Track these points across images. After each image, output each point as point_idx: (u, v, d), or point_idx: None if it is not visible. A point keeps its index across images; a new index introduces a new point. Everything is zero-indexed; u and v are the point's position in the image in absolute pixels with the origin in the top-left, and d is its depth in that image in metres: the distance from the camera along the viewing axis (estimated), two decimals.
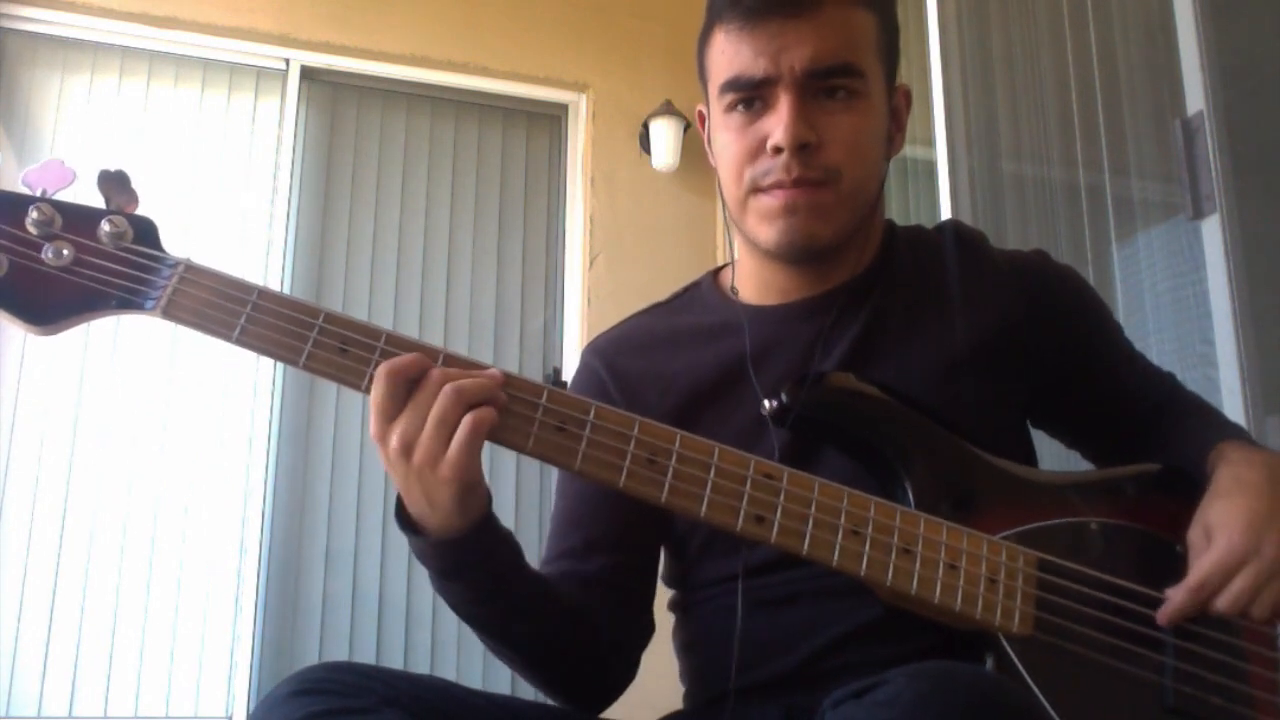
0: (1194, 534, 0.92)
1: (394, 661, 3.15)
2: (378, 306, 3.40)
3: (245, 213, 3.33)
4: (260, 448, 3.19)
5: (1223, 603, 0.87)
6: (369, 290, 3.42)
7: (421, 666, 3.17)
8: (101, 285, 0.85)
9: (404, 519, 0.89)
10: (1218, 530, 0.89)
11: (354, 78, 3.53)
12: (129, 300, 0.85)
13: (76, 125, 3.23)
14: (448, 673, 3.17)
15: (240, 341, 0.85)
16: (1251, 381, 1.67)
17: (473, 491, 0.86)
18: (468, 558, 0.89)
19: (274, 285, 3.25)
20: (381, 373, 0.84)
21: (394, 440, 0.83)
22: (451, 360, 0.86)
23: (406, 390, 0.84)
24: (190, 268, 0.87)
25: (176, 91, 3.37)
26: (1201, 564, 0.88)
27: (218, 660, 3.05)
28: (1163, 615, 0.89)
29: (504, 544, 0.92)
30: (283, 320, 0.86)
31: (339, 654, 3.12)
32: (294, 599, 3.16)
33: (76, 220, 0.86)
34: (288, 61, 3.45)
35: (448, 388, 0.83)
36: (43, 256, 0.84)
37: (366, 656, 3.13)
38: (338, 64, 3.49)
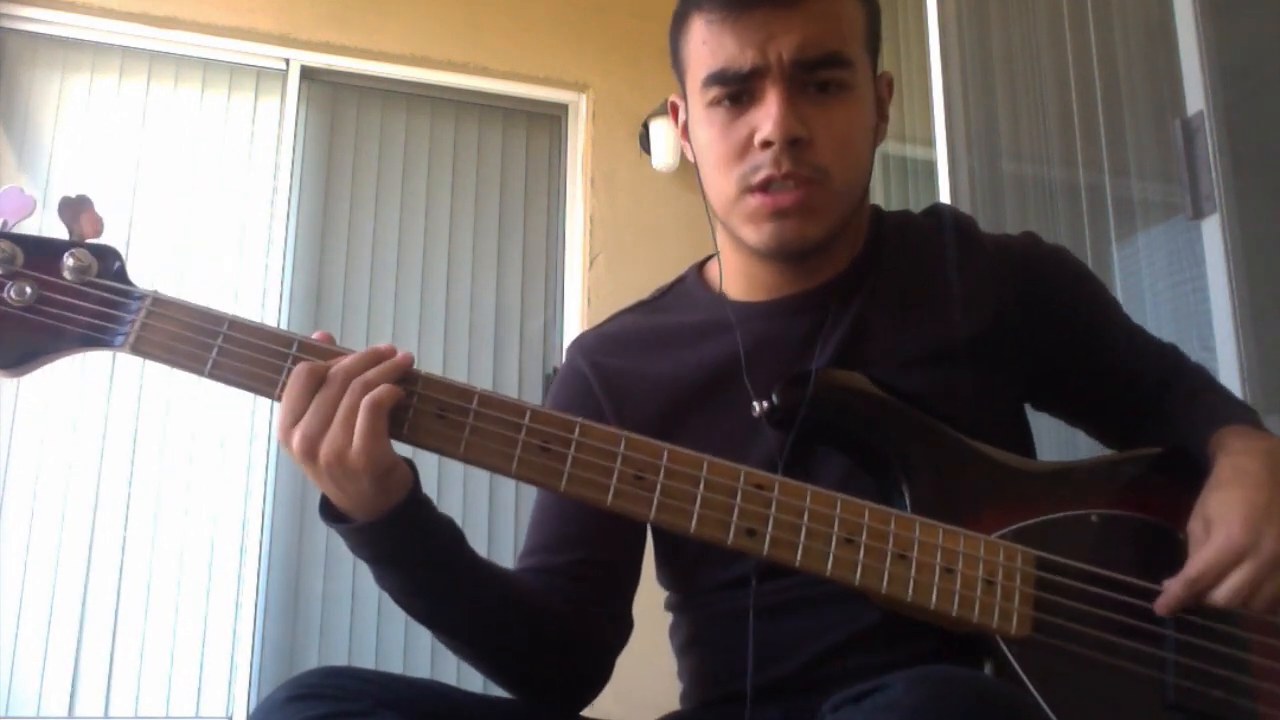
0: (1193, 526, 0.91)
1: (393, 663, 3.15)
2: (377, 307, 3.40)
3: (245, 212, 3.33)
4: (260, 448, 3.19)
5: (1221, 595, 0.86)
6: (369, 290, 3.41)
7: (421, 669, 3.16)
8: (67, 324, 0.83)
9: (330, 512, 0.87)
10: (1216, 522, 0.88)
11: (354, 78, 3.53)
12: (96, 338, 0.83)
13: (76, 125, 3.23)
14: (447, 676, 3.17)
15: (213, 375, 0.84)
16: (1251, 381, 1.66)
17: (389, 475, 0.84)
18: (399, 540, 0.87)
19: (273, 285, 3.25)
20: (299, 370, 0.82)
21: (296, 441, 0.82)
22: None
23: (315, 389, 0.82)
24: (158, 300, 0.85)
25: (176, 92, 3.36)
26: (1200, 556, 0.87)
27: (218, 661, 3.04)
28: (1159, 607, 0.88)
29: (440, 527, 0.90)
30: (255, 351, 0.84)
31: (339, 655, 3.11)
32: (294, 600, 3.16)
33: (38, 255, 0.83)
34: (288, 61, 3.44)
35: (355, 383, 0.82)
36: (4, 296, 0.82)
37: (366, 658, 3.13)
38: (338, 64, 3.48)
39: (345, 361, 0.84)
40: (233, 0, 3.35)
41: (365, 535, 0.86)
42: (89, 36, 3.28)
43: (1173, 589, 0.88)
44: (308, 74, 3.47)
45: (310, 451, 0.82)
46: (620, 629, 1.06)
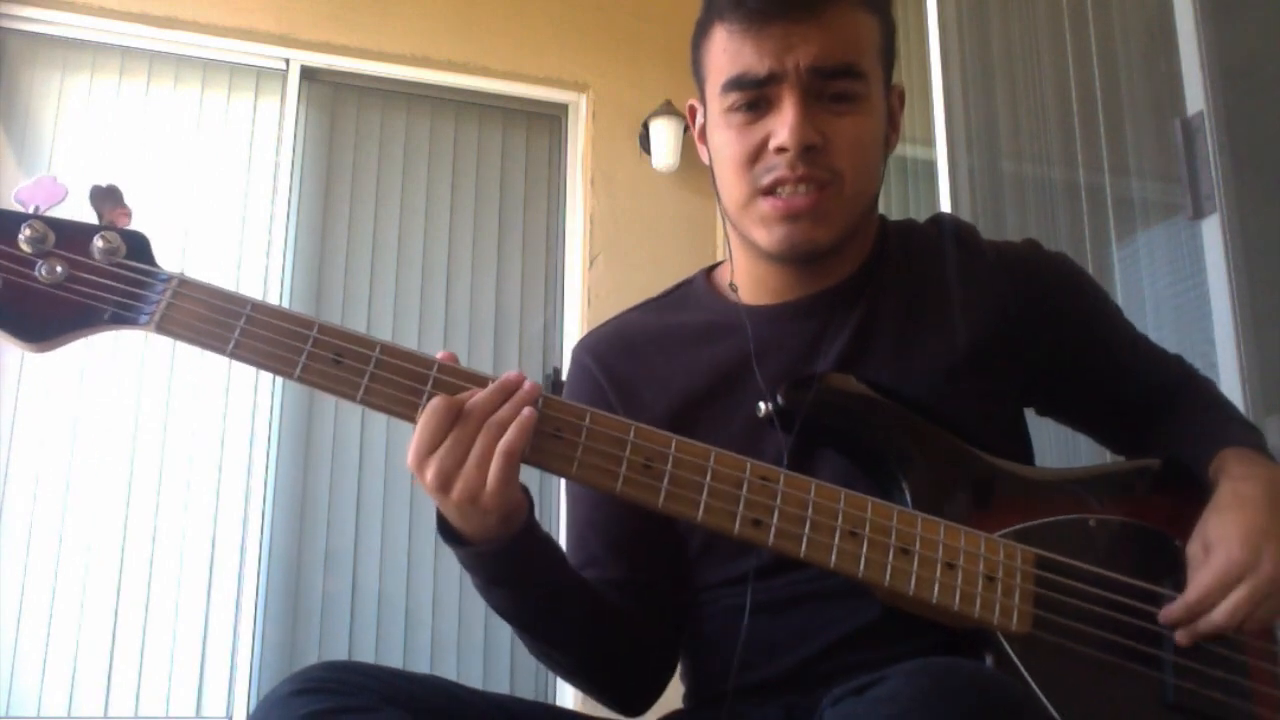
0: (1193, 548, 0.92)
1: (394, 661, 3.15)
2: (377, 307, 3.40)
3: (245, 213, 3.33)
4: (260, 448, 3.19)
5: (1220, 616, 0.87)
6: (369, 290, 3.41)
7: (421, 666, 3.17)
8: (95, 301, 0.85)
9: (445, 528, 0.90)
10: (1216, 544, 0.89)
11: (354, 78, 3.53)
12: (123, 316, 0.86)
13: (76, 125, 3.23)
14: (448, 672, 3.17)
15: (235, 355, 0.86)
16: (1251, 381, 1.67)
17: (515, 513, 0.88)
18: (513, 566, 0.91)
19: (274, 285, 3.25)
20: (437, 405, 0.84)
21: (430, 475, 0.84)
22: (458, 374, 0.87)
23: (451, 424, 0.84)
24: (184, 282, 0.87)
25: (176, 92, 3.37)
26: (1200, 579, 0.88)
27: (218, 660, 3.04)
28: (1162, 619, 0.89)
29: (547, 548, 0.94)
30: (276, 333, 0.86)
31: (339, 654, 3.11)
32: (294, 599, 3.16)
33: (69, 237, 0.86)
34: (288, 61, 3.44)
35: (490, 423, 0.84)
36: (36, 274, 0.84)
37: (366, 656, 3.13)
38: (338, 64, 3.49)
39: (479, 398, 0.85)
40: (233, 0, 3.35)
41: (483, 560, 0.90)
42: (89, 36, 3.28)
43: (1174, 612, 0.88)
44: (308, 74, 3.47)
45: (445, 487, 0.84)
46: (681, 622, 1.09)
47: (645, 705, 1.08)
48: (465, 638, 3.24)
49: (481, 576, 0.92)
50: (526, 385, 0.86)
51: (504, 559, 0.89)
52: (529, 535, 0.90)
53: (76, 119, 3.24)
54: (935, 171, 2.50)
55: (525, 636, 0.99)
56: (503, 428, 0.84)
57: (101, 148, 3.22)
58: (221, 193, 3.32)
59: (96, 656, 2.95)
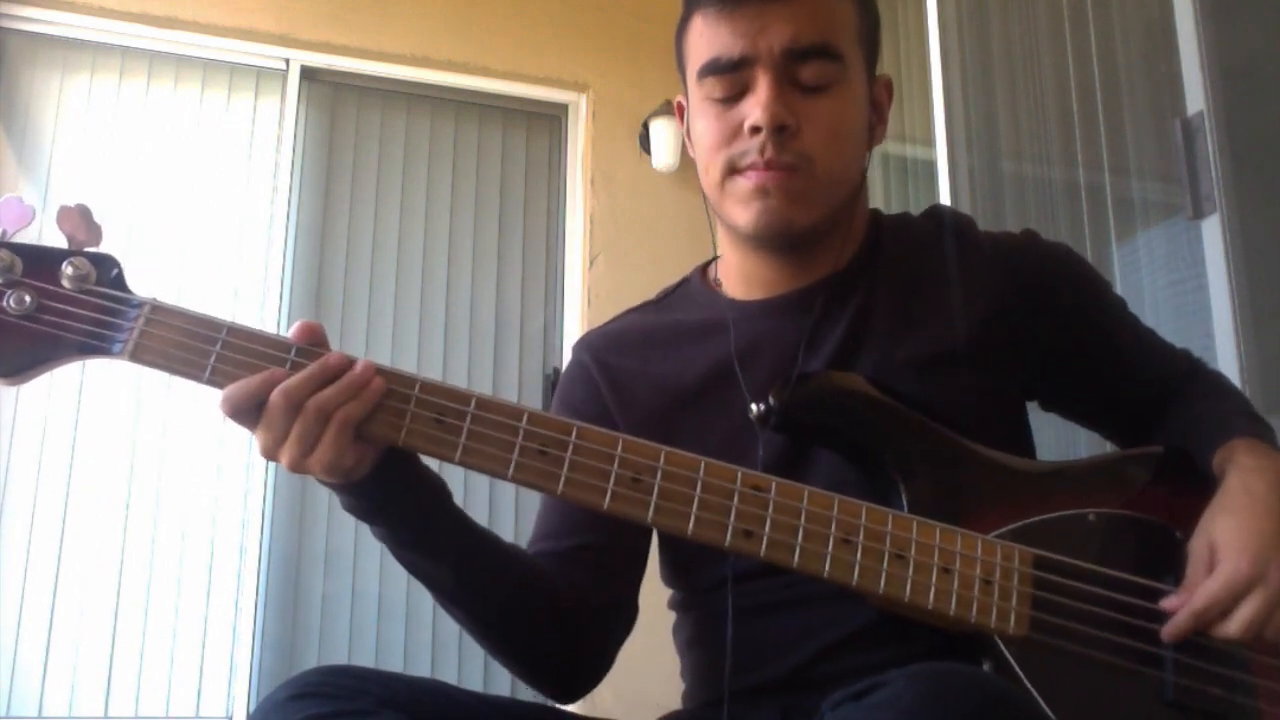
0: (1197, 544, 0.90)
1: (394, 663, 3.15)
2: (377, 307, 3.40)
3: (245, 213, 3.33)
4: None
5: (1232, 630, 0.85)
6: (369, 290, 3.41)
7: (422, 668, 3.16)
8: (66, 332, 0.82)
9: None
10: (1223, 550, 0.87)
11: (354, 78, 3.53)
12: (95, 346, 0.83)
13: (76, 125, 3.23)
14: (449, 674, 3.17)
15: (211, 382, 0.83)
16: (1251, 381, 1.66)
17: (358, 467, 0.84)
18: (373, 499, 0.87)
19: (273, 286, 3.25)
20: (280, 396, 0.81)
21: (260, 450, 0.83)
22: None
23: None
24: (156, 308, 0.84)
25: (176, 91, 3.36)
26: (1207, 588, 0.86)
27: (218, 661, 3.05)
28: (1165, 636, 0.87)
29: (421, 484, 0.89)
30: (254, 357, 0.83)
31: (339, 655, 3.11)
32: (294, 600, 3.16)
33: (37, 264, 0.83)
34: (288, 61, 3.44)
35: (310, 405, 0.81)
36: (4, 305, 0.81)
37: (366, 658, 3.13)
38: (338, 64, 3.49)
39: (293, 382, 0.82)
40: (233, 0, 3.35)
41: (349, 490, 0.86)
42: (89, 36, 3.28)
43: (1179, 620, 0.87)
44: (308, 74, 3.47)
45: (270, 457, 0.83)
46: (623, 617, 1.06)
47: (569, 691, 1.04)
48: (466, 639, 3.22)
49: (345, 506, 0.88)
50: (356, 370, 0.83)
51: (360, 491, 0.86)
52: (395, 466, 0.86)
53: (76, 119, 3.24)
54: (935, 171, 2.50)
55: (428, 588, 0.95)
56: (322, 409, 0.81)
57: (102, 148, 3.22)
58: (221, 193, 3.32)
59: (97, 657, 2.95)
